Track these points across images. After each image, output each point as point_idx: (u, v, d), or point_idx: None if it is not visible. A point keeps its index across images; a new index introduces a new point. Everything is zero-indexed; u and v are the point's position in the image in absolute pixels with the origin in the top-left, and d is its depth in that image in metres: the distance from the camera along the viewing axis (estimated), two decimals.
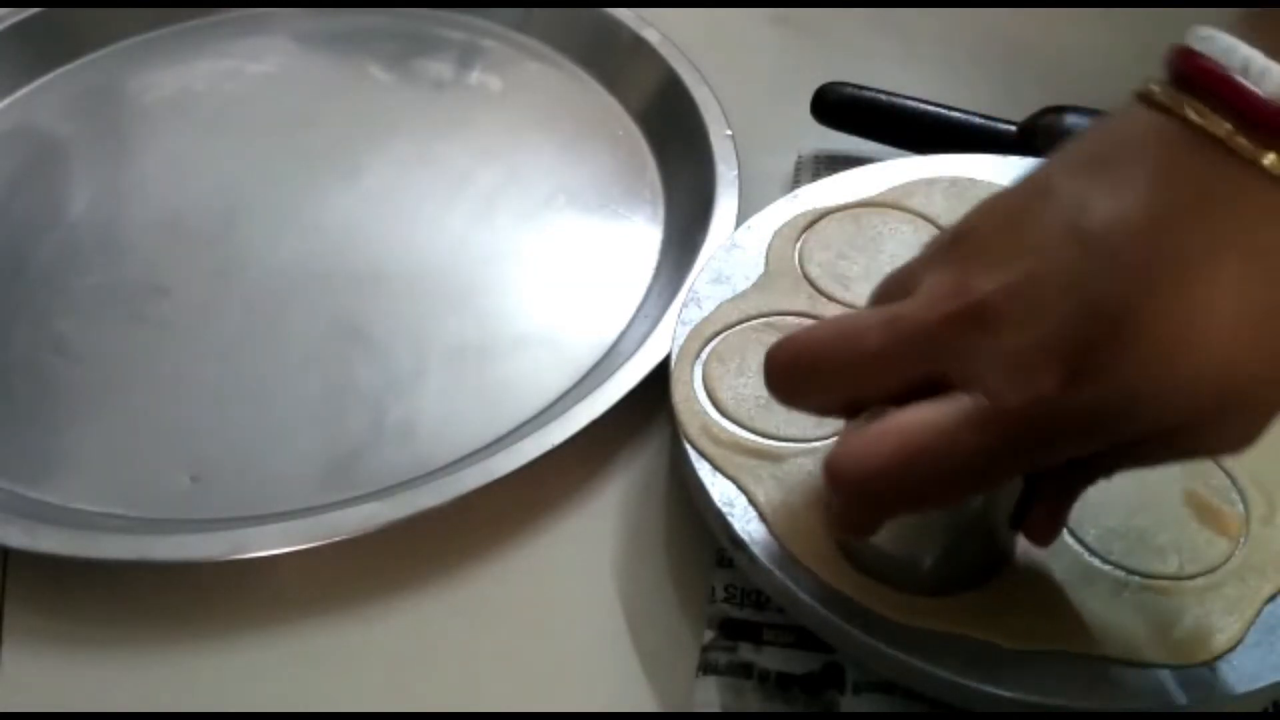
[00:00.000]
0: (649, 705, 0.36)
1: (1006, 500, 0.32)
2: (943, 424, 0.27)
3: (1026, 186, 0.28)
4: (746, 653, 0.36)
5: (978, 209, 0.29)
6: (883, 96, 0.53)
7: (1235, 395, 0.26)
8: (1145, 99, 0.27)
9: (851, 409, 0.30)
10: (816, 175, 0.51)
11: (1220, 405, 0.26)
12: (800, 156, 0.54)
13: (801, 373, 0.30)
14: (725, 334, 0.41)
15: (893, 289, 0.30)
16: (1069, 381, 0.25)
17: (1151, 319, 0.25)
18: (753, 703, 0.34)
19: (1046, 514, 0.31)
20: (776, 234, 0.44)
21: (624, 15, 0.58)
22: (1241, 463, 0.36)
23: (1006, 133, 0.50)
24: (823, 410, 0.32)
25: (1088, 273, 0.25)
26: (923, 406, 0.27)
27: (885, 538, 0.31)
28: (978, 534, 0.33)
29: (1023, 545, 0.34)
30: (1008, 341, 0.26)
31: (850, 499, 0.29)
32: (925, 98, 0.52)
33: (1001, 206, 0.28)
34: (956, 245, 0.28)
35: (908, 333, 0.28)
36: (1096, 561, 0.34)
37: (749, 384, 0.39)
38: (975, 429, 0.26)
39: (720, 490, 0.36)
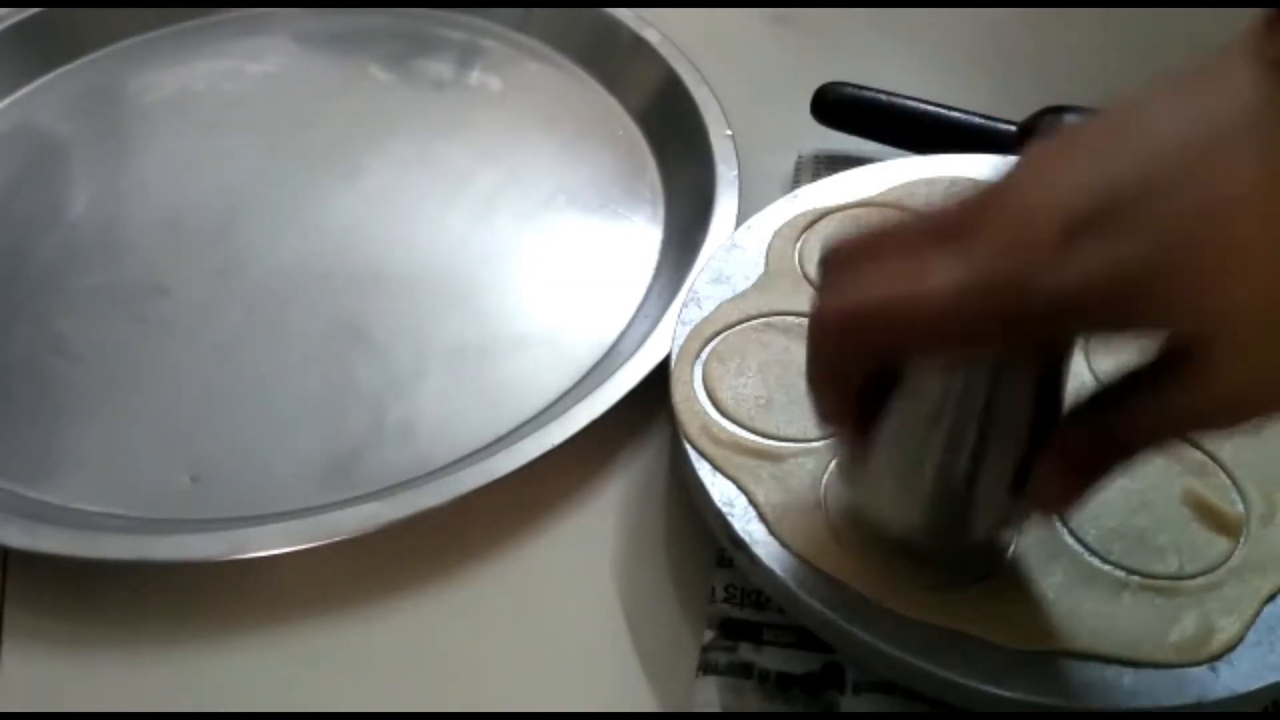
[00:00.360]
0: (649, 705, 0.36)
1: (999, 468, 0.30)
2: (928, 264, 0.26)
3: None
4: (746, 653, 0.36)
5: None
6: (883, 96, 0.53)
7: (1265, 319, 0.24)
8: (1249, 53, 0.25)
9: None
10: (816, 175, 0.51)
11: (1242, 326, 0.25)
12: (800, 156, 0.54)
13: (845, 252, 0.29)
14: (725, 334, 0.41)
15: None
16: (1064, 236, 0.25)
17: (1179, 193, 0.24)
18: (753, 703, 0.34)
19: (1055, 475, 0.29)
20: (776, 234, 0.44)
21: (624, 15, 0.58)
22: (1241, 463, 0.36)
23: (1006, 133, 0.50)
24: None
25: (1120, 145, 0.25)
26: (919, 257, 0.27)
27: (871, 493, 0.31)
28: (962, 503, 0.31)
29: (1025, 542, 0.34)
30: (1019, 200, 0.26)
31: (826, 336, 0.29)
32: (925, 98, 0.52)
33: (1093, 121, 0.27)
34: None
35: (933, 212, 0.28)
36: (1096, 561, 0.34)
37: (749, 384, 0.39)
38: (960, 269, 0.26)
39: (720, 490, 0.36)
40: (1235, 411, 0.26)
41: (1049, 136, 0.27)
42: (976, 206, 0.27)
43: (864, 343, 0.28)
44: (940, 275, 0.26)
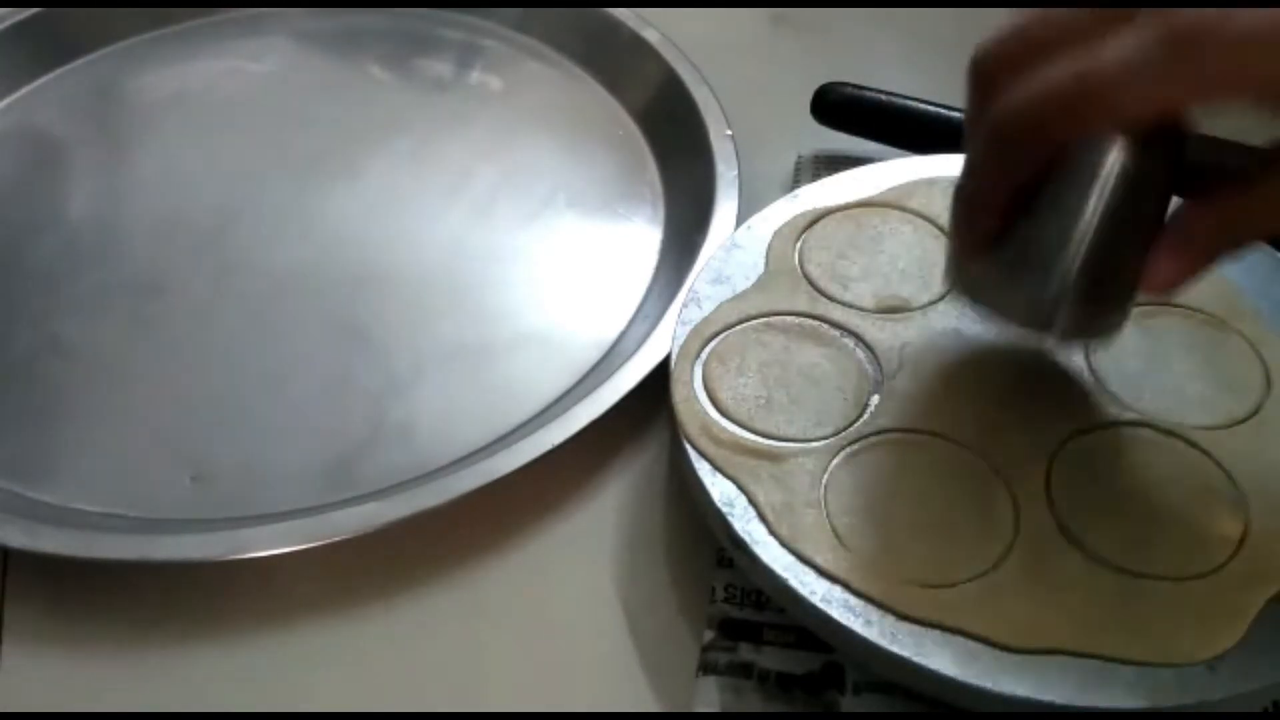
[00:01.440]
0: (649, 705, 0.36)
1: (1146, 211, 0.32)
2: (1105, 44, 0.27)
3: None
4: (746, 653, 0.36)
5: None
6: (883, 96, 0.53)
7: None
8: None
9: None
10: (816, 175, 0.51)
11: None
12: (800, 156, 0.54)
13: (1004, 45, 0.31)
14: (725, 334, 0.41)
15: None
16: (1229, 7, 0.26)
17: None
18: (753, 703, 0.34)
19: (1174, 248, 0.30)
20: (776, 234, 0.44)
21: (624, 15, 0.58)
22: (1241, 463, 0.36)
23: None
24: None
25: None
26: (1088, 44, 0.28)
27: (1011, 256, 0.33)
28: (1110, 243, 0.32)
29: (1025, 542, 0.34)
30: None
31: (1015, 117, 0.29)
32: (925, 98, 0.52)
33: None
34: None
35: (1090, 6, 0.29)
36: (1096, 562, 0.34)
37: (749, 384, 0.39)
38: (1132, 48, 0.27)
39: (720, 490, 0.36)
40: None
41: None
42: None
43: (1057, 127, 0.29)
44: (1121, 49, 0.27)
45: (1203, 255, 0.31)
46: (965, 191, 0.33)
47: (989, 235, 0.33)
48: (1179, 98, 0.28)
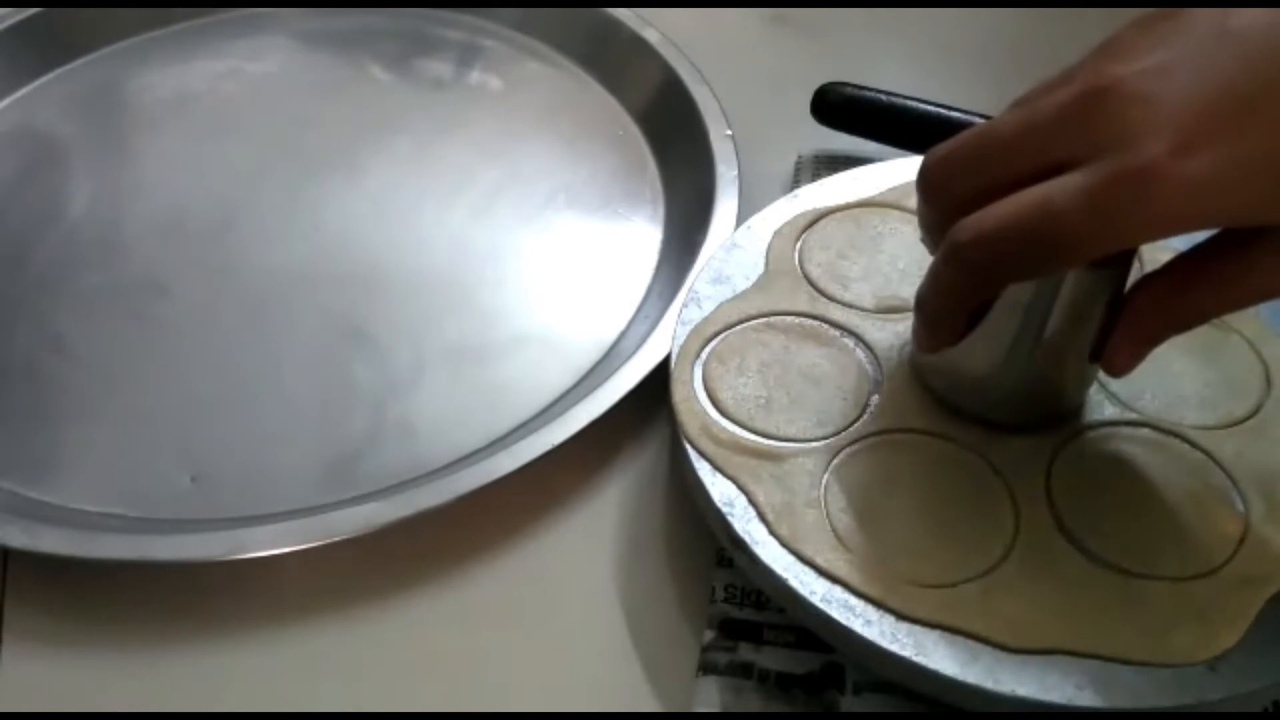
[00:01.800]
0: (649, 705, 0.36)
1: (1087, 328, 0.34)
2: (1056, 190, 0.28)
3: (1177, 8, 0.29)
4: (746, 653, 0.36)
5: (1128, 23, 0.30)
6: (883, 96, 0.53)
7: None
8: None
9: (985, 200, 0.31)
10: (816, 175, 0.51)
11: None
12: (800, 156, 0.54)
13: (949, 162, 0.32)
14: (725, 334, 0.41)
15: (1038, 90, 0.31)
16: (1176, 151, 0.26)
17: (1272, 104, 0.26)
18: (753, 703, 0.34)
19: (1127, 340, 0.32)
20: (776, 234, 0.44)
21: (624, 15, 0.58)
22: (1241, 463, 0.36)
23: None
24: (960, 205, 0.32)
25: (1220, 60, 0.27)
26: (1040, 184, 0.29)
27: (968, 363, 0.35)
28: (1055, 361, 0.35)
29: (1025, 542, 0.34)
30: (1128, 114, 0.27)
31: (963, 262, 0.30)
32: (925, 98, 0.52)
33: (1151, 16, 0.29)
34: (1101, 49, 0.30)
35: (1036, 122, 0.29)
36: (1096, 562, 0.34)
37: (749, 384, 0.39)
38: (1083, 194, 0.28)
39: (720, 490, 0.36)
40: None
41: (1119, 40, 0.29)
42: (1077, 119, 0.28)
43: (1001, 269, 0.31)
44: (1070, 198, 0.28)
45: (1156, 339, 0.32)
46: (927, 307, 0.33)
47: (948, 345, 0.34)
48: (1135, 239, 0.30)
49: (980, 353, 0.35)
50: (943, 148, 0.32)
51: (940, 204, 0.32)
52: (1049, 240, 0.29)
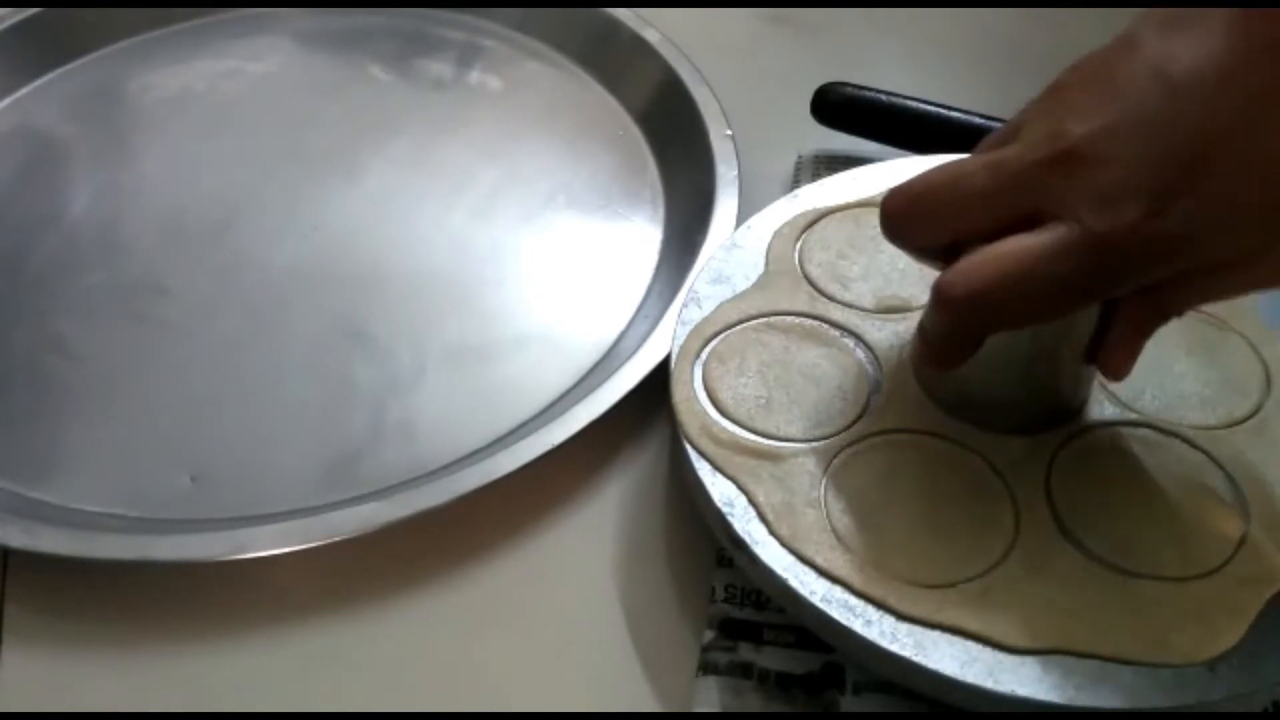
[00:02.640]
0: (649, 705, 0.36)
1: (1080, 335, 0.34)
2: (1042, 249, 0.30)
3: (1116, 43, 0.31)
4: (746, 653, 0.36)
5: (1072, 66, 0.31)
6: (883, 96, 0.53)
7: None
8: None
9: (952, 248, 0.33)
10: (816, 175, 0.51)
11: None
12: (800, 156, 0.54)
13: (914, 210, 0.33)
14: (725, 334, 0.41)
15: (996, 140, 0.33)
16: (1150, 213, 0.28)
17: (1225, 155, 0.28)
18: (753, 703, 0.34)
19: (1121, 344, 0.33)
20: (776, 234, 0.44)
21: (624, 15, 0.58)
22: (1241, 463, 0.36)
23: None
24: (927, 247, 0.34)
25: (1169, 116, 0.28)
26: (1024, 236, 0.30)
27: (968, 375, 0.35)
28: (1051, 368, 0.36)
29: (1025, 542, 0.34)
30: (1097, 179, 0.29)
31: (955, 315, 0.32)
32: (925, 98, 0.52)
33: (1093, 61, 0.31)
34: (1051, 96, 0.31)
35: (1009, 174, 0.31)
36: (1096, 562, 0.34)
37: (749, 384, 0.39)
38: (1069, 253, 0.29)
39: (720, 490, 0.36)
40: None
41: (1068, 87, 0.31)
42: (1048, 178, 0.30)
43: (993, 322, 0.32)
44: (1054, 259, 0.29)
45: (1148, 333, 0.33)
46: (930, 339, 0.35)
47: (953, 369, 0.35)
48: (1121, 291, 0.31)
49: (979, 366, 0.35)
50: (906, 190, 0.33)
51: (904, 245, 0.34)
52: (1040, 299, 0.30)
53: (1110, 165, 0.29)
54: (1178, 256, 0.29)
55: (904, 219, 0.33)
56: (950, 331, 0.33)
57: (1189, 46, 0.29)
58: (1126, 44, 0.30)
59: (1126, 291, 0.31)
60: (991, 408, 0.37)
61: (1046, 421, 0.37)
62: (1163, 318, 0.33)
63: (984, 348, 0.34)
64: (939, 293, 0.32)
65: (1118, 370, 0.33)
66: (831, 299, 0.42)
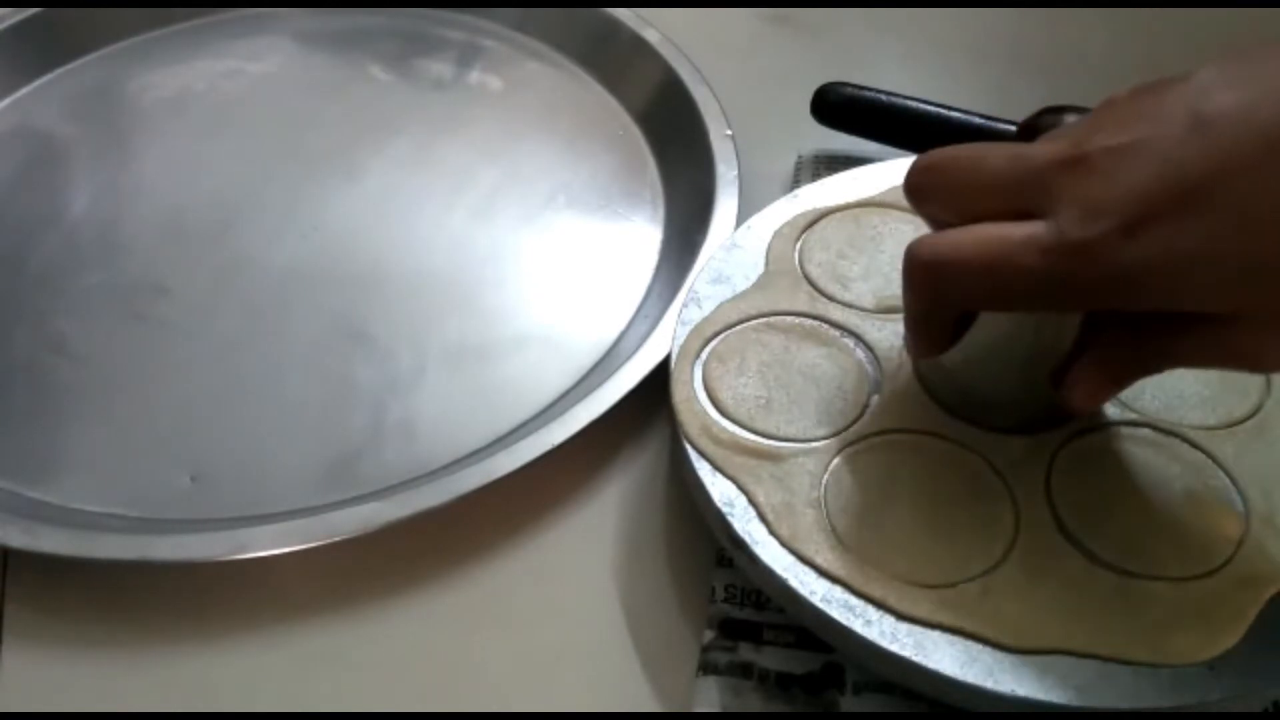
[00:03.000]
0: (649, 705, 0.36)
1: (1061, 344, 0.34)
2: (1015, 238, 0.30)
3: (1181, 75, 0.30)
4: (746, 653, 0.36)
5: (1132, 86, 0.31)
6: (883, 96, 0.53)
7: None
8: None
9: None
10: (816, 175, 0.51)
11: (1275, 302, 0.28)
12: (800, 156, 0.54)
13: (934, 178, 0.33)
14: (725, 334, 0.41)
15: (1046, 139, 0.33)
16: (1123, 232, 0.28)
17: (1224, 196, 0.27)
18: (753, 703, 0.34)
19: (1086, 373, 0.33)
20: (776, 234, 0.44)
21: (624, 15, 0.58)
22: (1241, 463, 0.36)
23: (1006, 133, 0.50)
24: (938, 220, 0.34)
25: (1184, 145, 0.28)
26: (1005, 224, 0.30)
27: (968, 373, 0.36)
28: (1051, 368, 0.35)
29: (1025, 542, 0.34)
30: (1091, 188, 0.29)
31: (918, 282, 0.32)
32: (925, 98, 0.52)
33: (1149, 84, 0.31)
34: (1101, 108, 0.31)
35: (1025, 167, 0.31)
36: (1096, 562, 0.34)
37: (749, 384, 0.39)
38: (1036, 250, 0.29)
39: (720, 490, 0.36)
40: (1262, 363, 0.31)
41: (1118, 104, 0.31)
42: (1051, 178, 0.30)
43: (952, 295, 0.32)
44: (1023, 250, 0.30)
45: (1118, 382, 0.33)
46: (906, 316, 0.35)
47: (932, 354, 0.35)
48: (1074, 305, 0.32)
49: (978, 364, 0.36)
50: (934, 157, 0.33)
51: (919, 208, 0.34)
52: (1001, 287, 0.31)
53: (1109, 180, 0.29)
54: (1140, 287, 0.29)
55: (923, 181, 0.34)
56: (919, 307, 0.33)
57: (1232, 84, 0.28)
58: (1185, 75, 0.30)
59: (1100, 315, 0.31)
60: (991, 406, 0.37)
61: (1046, 421, 0.37)
62: (1138, 364, 0.32)
63: (983, 345, 0.34)
64: (906, 256, 0.32)
65: (1078, 400, 0.33)
66: (831, 299, 0.42)
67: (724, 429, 0.38)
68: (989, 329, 0.34)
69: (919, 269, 0.32)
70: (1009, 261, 0.30)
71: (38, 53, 0.58)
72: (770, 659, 0.35)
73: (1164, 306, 0.29)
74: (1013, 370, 0.36)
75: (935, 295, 0.33)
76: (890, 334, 0.40)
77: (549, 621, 0.38)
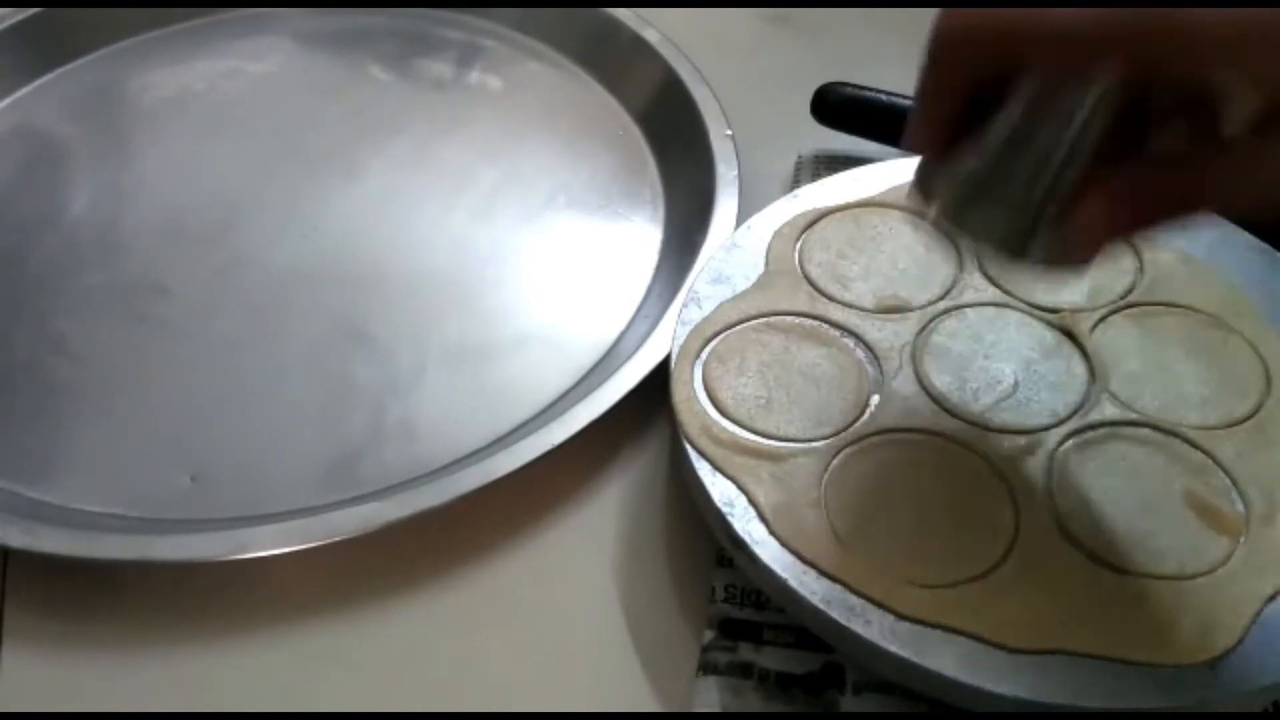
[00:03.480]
0: (649, 705, 0.36)
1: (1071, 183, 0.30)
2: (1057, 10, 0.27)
3: None
4: (746, 653, 0.36)
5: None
6: (883, 96, 0.53)
7: None
8: None
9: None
10: (816, 175, 0.51)
11: None
12: (800, 156, 0.54)
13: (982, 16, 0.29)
14: (725, 334, 0.41)
15: None
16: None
17: None
18: (753, 703, 0.34)
19: (1106, 203, 0.29)
20: (776, 234, 0.44)
21: (624, 15, 0.58)
22: (1241, 463, 0.37)
23: None
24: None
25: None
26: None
27: (983, 159, 0.31)
28: (1060, 177, 0.30)
29: (1025, 542, 0.34)
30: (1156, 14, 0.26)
31: (946, 30, 0.29)
32: None
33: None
34: None
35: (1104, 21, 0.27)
36: (1096, 562, 0.34)
37: (749, 384, 0.39)
38: (1082, 14, 0.26)
39: (720, 490, 0.36)
40: None
41: None
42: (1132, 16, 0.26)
43: (992, 50, 0.29)
44: (1054, 13, 0.27)
45: (1125, 227, 0.29)
46: (915, 96, 0.31)
47: (928, 146, 0.32)
48: (1104, 60, 0.27)
49: (1001, 176, 0.31)
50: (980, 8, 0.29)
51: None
52: (1038, 27, 0.27)
53: (1179, 17, 0.26)
54: (1212, 45, 0.26)
55: (968, 19, 0.29)
56: (942, 69, 0.30)
57: None
58: None
59: (1121, 153, 0.28)
60: (988, 202, 0.32)
61: (1020, 245, 0.32)
62: (1161, 200, 0.29)
63: (991, 148, 0.31)
64: (938, 21, 0.29)
65: (1082, 250, 0.29)
66: (831, 299, 0.42)
67: (724, 429, 0.38)
68: (1014, 119, 0.30)
69: (955, 16, 0.29)
70: (1060, 10, 0.27)
71: (38, 53, 0.58)
72: (770, 659, 0.35)
73: (1222, 68, 0.26)
74: (1027, 163, 0.31)
75: (966, 48, 0.29)
76: (890, 334, 0.40)
77: (549, 622, 0.38)
